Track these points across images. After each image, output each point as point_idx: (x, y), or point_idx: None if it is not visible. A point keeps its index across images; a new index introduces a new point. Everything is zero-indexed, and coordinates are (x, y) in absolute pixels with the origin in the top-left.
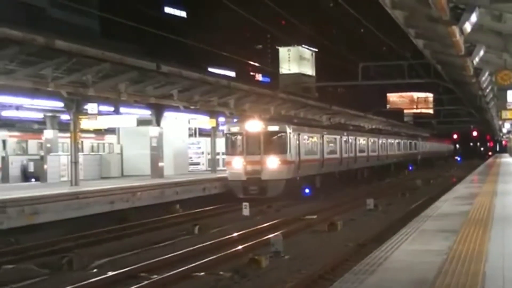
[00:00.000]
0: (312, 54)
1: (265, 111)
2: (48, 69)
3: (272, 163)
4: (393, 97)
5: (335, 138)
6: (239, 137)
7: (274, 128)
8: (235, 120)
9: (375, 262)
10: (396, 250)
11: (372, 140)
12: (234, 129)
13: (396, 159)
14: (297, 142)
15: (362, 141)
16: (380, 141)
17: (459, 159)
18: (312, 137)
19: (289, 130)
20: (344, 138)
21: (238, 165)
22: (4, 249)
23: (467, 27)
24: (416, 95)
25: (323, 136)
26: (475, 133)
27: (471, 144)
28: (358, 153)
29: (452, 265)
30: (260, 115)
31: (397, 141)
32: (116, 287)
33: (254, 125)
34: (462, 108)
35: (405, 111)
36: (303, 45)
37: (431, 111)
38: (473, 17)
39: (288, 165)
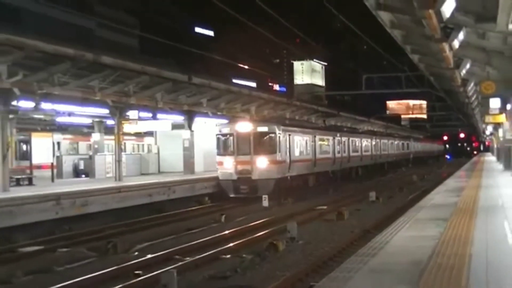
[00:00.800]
0: (322, 67)
1: (281, 116)
2: (95, 81)
3: (262, 163)
4: (392, 104)
5: (328, 139)
6: (230, 138)
7: (264, 129)
8: (226, 121)
9: (377, 246)
10: (395, 236)
11: (365, 141)
12: (225, 130)
13: (389, 158)
14: (288, 142)
15: (355, 141)
16: (373, 142)
17: (449, 157)
18: (304, 137)
19: (278, 131)
20: (337, 139)
21: (229, 165)
22: (59, 235)
23: (456, 44)
24: (412, 102)
25: (315, 137)
26: (462, 135)
27: (459, 144)
28: (351, 153)
29: (443, 248)
30: (251, 116)
31: (390, 141)
32: (154, 268)
33: (244, 126)
34: (451, 113)
35: (402, 116)
36: (315, 60)
37: (425, 116)
38: (461, 36)
39: (277, 164)
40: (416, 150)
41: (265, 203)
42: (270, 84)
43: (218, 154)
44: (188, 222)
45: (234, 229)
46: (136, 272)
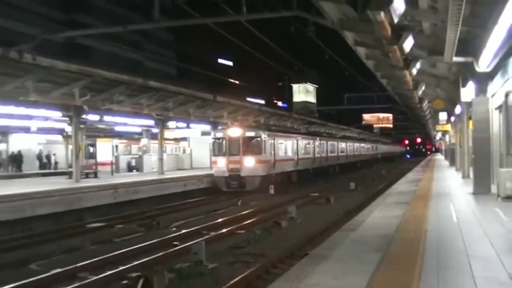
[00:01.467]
0: (314, 88)
1: (283, 125)
2: (144, 99)
3: (249, 162)
4: (367, 116)
5: (309, 142)
6: (223, 141)
7: (251, 133)
8: (219, 127)
9: (356, 223)
10: (370, 216)
11: (341, 144)
12: (219, 134)
13: (361, 158)
14: (272, 145)
15: (332, 144)
16: (348, 145)
17: (409, 156)
18: (287, 141)
19: (264, 135)
20: (317, 142)
21: (222, 164)
22: (116, 215)
23: (414, 71)
24: (381, 115)
25: (297, 140)
26: (419, 139)
27: (416, 147)
28: (329, 154)
29: (405, 225)
30: (240, 123)
31: (361, 144)
32: (187, 240)
33: (235, 131)
34: (411, 123)
35: (374, 125)
36: (308, 82)
37: (391, 125)
38: (418, 65)
39: (263, 163)
40: (383, 151)
41: (272, 191)
42: (275, 101)
43: (213, 155)
44: (213, 206)
45: (248, 211)
46: (174, 243)
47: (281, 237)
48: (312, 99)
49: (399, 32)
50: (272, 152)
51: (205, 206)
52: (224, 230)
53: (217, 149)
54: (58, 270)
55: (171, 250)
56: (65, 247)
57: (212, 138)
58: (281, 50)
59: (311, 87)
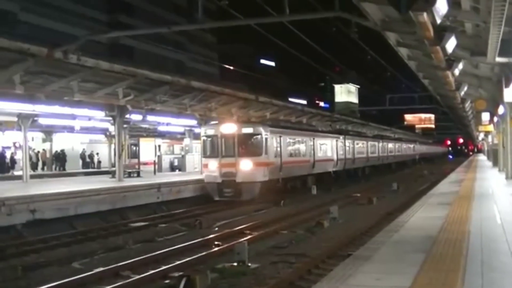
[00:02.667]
0: (356, 89)
1: (325, 126)
2: (187, 100)
3: (246, 165)
4: (408, 117)
5: (330, 141)
6: (214, 140)
7: (248, 130)
8: (211, 122)
9: (398, 224)
10: (413, 217)
11: (371, 143)
12: (210, 131)
13: (397, 159)
14: (278, 144)
15: (361, 143)
16: (381, 144)
17: (451, 157)
18: (300, 139)
19: (265, 132)
20: (340, 142)
21: (213, 167)
22: (159, 214)
23: (456, 72)
24: (423, 115)
25: (314, 139)
26: (461, 140)
27: (458, 147)
28: (356, 155)
29: (448, 226)
30: (237, 117)
31: (398, 144)
32: (230, 240)
33: (229, 128)
34: (452, 124)
35: (416, 126)
36: (350, 83)
37: (433, 126)
38: (460, 65)
39: (264, 167)
40: (422, 152)
41: (314, 191)
42: (317, 101)
43: (204, 156)
44: (255, 205)
45: (290, 211)
46: (217, 242)
47: (323, 237)
48: (354, 99)
49: (441, 32)
50: (278, 152)
51: (248, 205)
52: (266, 230)
53: (209, 149)
54: (101, 268)
55: (214, 249)
56: (108, 246)
57: (202, 136)
58: (323, 50)
59: (353, 87)
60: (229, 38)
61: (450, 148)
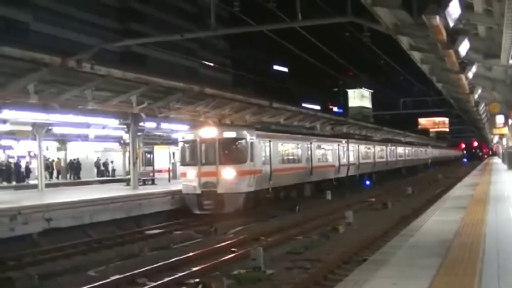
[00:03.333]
0: (369, 93)
1: (339, 131)
2: (200, 107)
3: (229, 174)
4: (422, 121)
5: (331, 146)
6: (193, 146)
7: (231, 134)
8: (189, 126)
9: (414, 229)
10: (428, 221)
11: (379, 148)
12: (188, 136)
13: (407, 163)
14: (267, 150)
15: (366, 148)
16: (389, 148)
17: (465, 160)
18: (294, 144)
19: (250, 136)
20: (343, 146)
21: (192, 176)
22: (174, 221)
23: (469, 75)
24: (437, 119)
25: (311, 143)
26: (475, 143)
27: (473, 150)
28: (362, 160)
29: (464, 229)
30: (219, 120)
31: (408, 148)
32: (245, 246)
33: (209, 132)
34: (467, 127)
35: (430, 130)
36: (363, 88)
37: (447, 129)
38: (473, 68)
39: (248, 175)
40: (435, 156)
41: (329, 196)
42: (330, 107)
43: (182, 164)
44: (271, 212)
45: (305, 216)
46: (232, 249)
47: (339, 242)
48: (367, 104)
49: (454, 36)
50: (267, 159)
51: (262, 212)
52: (281, 236)
53: (187, 156)
54: (117, 276)
55: (229, 256)
56: (123, 254)
57: (180, 141)
58: (336, 55)
59: (366, 92)
60: (241, 45)
61: (464, 152)
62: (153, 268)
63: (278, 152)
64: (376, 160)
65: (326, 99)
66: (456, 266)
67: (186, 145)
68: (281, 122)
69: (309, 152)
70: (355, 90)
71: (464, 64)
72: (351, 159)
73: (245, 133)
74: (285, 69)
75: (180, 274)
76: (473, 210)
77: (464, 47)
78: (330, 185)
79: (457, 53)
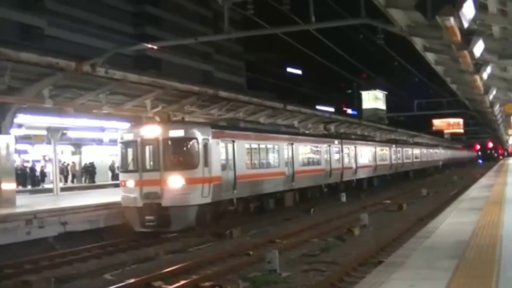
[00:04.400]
0: (383, 95)
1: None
2: (215, 110)
3: (176, 182)
4: (437, 122)
5: (318, 147)
6: (133, 148)
7: (178, 133)
8: (130, 124)
9: (429, 231)
10: (444, 222)
11: (382, 149)
12: (128, 136)
13: (414, 166)
14: (230, 153)
15: (364, 150)
16: (393, 149)
17: (481, 161)
18: (271, 146)
19: (203, 136)
20: (335, 148)
21: (132, 185)
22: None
23: (484, 75)
24: (451, 120)
25: (292, 145)
26: (490, 144)
27: (488, 151)
28: (359, 163)
29: (480, 231)
30: (168, 115)
31: (416, 150)
32: (261, 249)
33: (152, 131)
34: (481, 128)
35: (445, 131)
36: (377, 89)
37: (462, 130)
38: (488, 69)
39: (202, 184)
40: (447, 158)
41: (343, 198)
42: (344, 108)
43: (121, 170)
44: (287, 214)
45: (321, 219)
46: (248, 252)
47: (354, 244)
48: (381, 105)
49: (468, 36)
50: (229, 163)
51: (277, 216)
52: (297, 238)
53: (126, 160)
54: (133, 280)
55: (245, 259)
56: (139, 257)
57: (119, 143)
58: (350, 57)
59: (380, 94)
60: (255, 47)
61: (479, 153)
62: (168, 271)
63: (245, 155)
64: (378, 162)
65: (340, 101)
66: (472, 268)
67: (125, 147)
68: (261, 121)
69: (290, 155)
70: (369, 92)
71: (479, 65)
72: (346, 162)
73: (196, 131)
74: (299, 72)
75: (195, 277)
76: (489, 211)
77: (478, 47)
78: (320, 192)
79: (471, 54)
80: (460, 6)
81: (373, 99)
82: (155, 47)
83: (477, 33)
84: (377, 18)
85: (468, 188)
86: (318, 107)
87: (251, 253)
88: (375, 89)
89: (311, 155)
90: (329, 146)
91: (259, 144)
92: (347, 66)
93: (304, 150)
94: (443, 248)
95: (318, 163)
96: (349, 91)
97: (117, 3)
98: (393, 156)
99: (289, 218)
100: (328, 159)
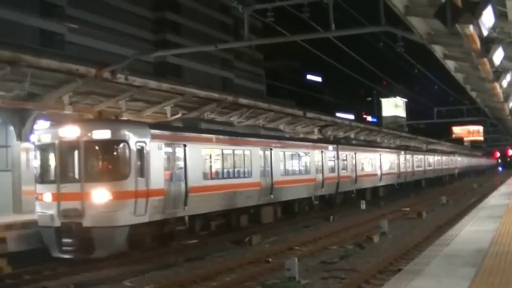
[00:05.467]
0: (403, 103)
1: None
2: (234, 117)
3: (100, 197)
4: (457, 130)
5: (306, 154)
6: (52, 152)
7: (103, 134)
8: (50, 123)
9: (449, 238)
10: (463, 230)
11: (387, 157)
12: (45, 137)
13: (426, 174)
14: (179, 160)
15: (368, 157)
16: (401, 158)
17: (500, 169)
18: (240, 152)
19: (137, 138)
20: (328, 154)
21: (49, 199)
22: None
23: (504, 83)
24: (471, 128)
25: (271, 150)
26: (510, 152)
27: (508, 159)
28: (360, 171)
29: (499, 239)
30: (99, 113)
31: (428, 157)
32: (280, 256)
33: (72, 131)
34: (501, 136)
35: (464, 138)
36: (397, 97)
37: (481, 138)
38: (508, 77)
39: (133, 199)
40: (464, 165)
41: (363, 206)
42: (364, 116)
43: (37, 181)
44: (305, 221)
45: (340, 226)
46: (267, 259)
47: (373, 252)
48: (401, 113)
49: (488, 44)
50: (177, 173)
51: (300, 222)
52: (316, 246)
53: (44, 168)
54: (152, 286)
55: (264, 266)
56: (158, 264)
57: (35, 146)
58: (370, 65)
59: (400, 101)
60: (275, 55)
61: (499, 160)
62: (187, 278)
63: (202, 162)
64: (384, 171)
65: (360, 108)
66: (491, 275)
67: (42, 151)
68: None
69: (268, 162)
70: (389, 99)
71: (499, 73)
72: (342, 170)
73: (127, 132)
74: (319, 79)
75: (214, 284)
76: (509, 219)
77: (498, 55)
78: (308, 205)
79: (491, 61)
80: (479, 14)
81: (393, 107)
82: (175, 54)
83: (496, 41)
84: (397, 25)
85: (488, 195)
86: (338, 114)
87: (270, 260)
88: (395, 96)
89: (297, 163)
90: (322, 152)
91: (222, 150)
92: (367, 74)
93: (287, 157)
94: (462, 256)
95: (306, 172)
96: (369, 98)
97: (137, 9)
98: (402, 164)
99: (308, 225)
100: (320, 167)
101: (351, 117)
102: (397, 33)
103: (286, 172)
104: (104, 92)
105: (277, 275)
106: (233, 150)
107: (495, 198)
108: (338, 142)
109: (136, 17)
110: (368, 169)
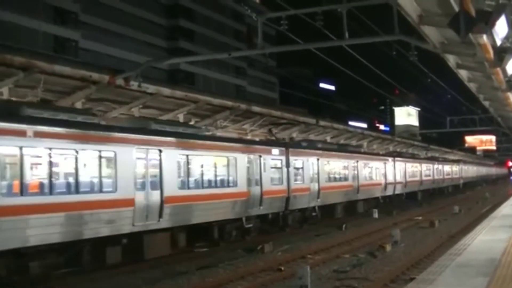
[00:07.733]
0: (416, 112)
1: (384, 150)
2: (247, 125)
3: None
4: (469, 139)
5: (232, 158)
6: None
7: None
8: None
9: (461, 248)
10: (475, 240)
11: (371, 164)
12: None
13: (424, 186)
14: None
15: (336, 165)
16: (388, 166)
17: None
18: (150, 156)
19: None
20: (271, 159)
21: None
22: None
23: None
24: (484, 137)
25: (160, 152)
26: None
27: None
28: (361, 182)
29: (511, 249)
30: None
31: (428, 165)
32: (292, 264)
33: None
34: None
35: (477, 148)
36: (410, 106)
37: (494, 147)
38: None
39: None
40: (469, 175)
41: (375, 215)
42: (377, 125)
43: None
44: (314, 230)
45: (352, 235)
46: (279, 267)
47: (386, 261)
48: (414, 122)
49: (501, 54)
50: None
51: (311, 231)
52: (328, 254)
53: None
54: None
55: (276, 274)
56: (171, 272)
57: None
58: (383, 74)
59: (413, 110)
60: (289, 62)
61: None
62: (200, 286)
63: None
64: (363, 182)
65: (373, 117)
66: (504, 285)
67: None
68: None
69: (212, 171)
70: (402, 108)
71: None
72: (296, 181)
73: None
74: (332, 87)
75: None
76: None
77: (511, 65)
78: (241, 228)
79: (504, 71)
80: (493, 24)
81: (406, 115)
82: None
83: (510, 50)
84: (411, 34)
85: (500, 205)
86: (350, 123)
87: (282, 268)
88: (408, 105)
89: (214, 171)
90: (260, 157)
91: (146, 154)
92: (380, 82)
93: (193, 163)
94: (474, 265)
95: (231, 183)
96: (382, 107)
97: (151, 16)
98: (390, 174)
99: (320, 234)
100: (257, 176)
101: (364, 125)
102: (411, 42)
103: (191, 184)
104: (117, 99)
105: (289, 283)
106: (142, 155)
107: (508, 208)
108: (289, 144)
109: (150, 24)
110: (339, 179)
